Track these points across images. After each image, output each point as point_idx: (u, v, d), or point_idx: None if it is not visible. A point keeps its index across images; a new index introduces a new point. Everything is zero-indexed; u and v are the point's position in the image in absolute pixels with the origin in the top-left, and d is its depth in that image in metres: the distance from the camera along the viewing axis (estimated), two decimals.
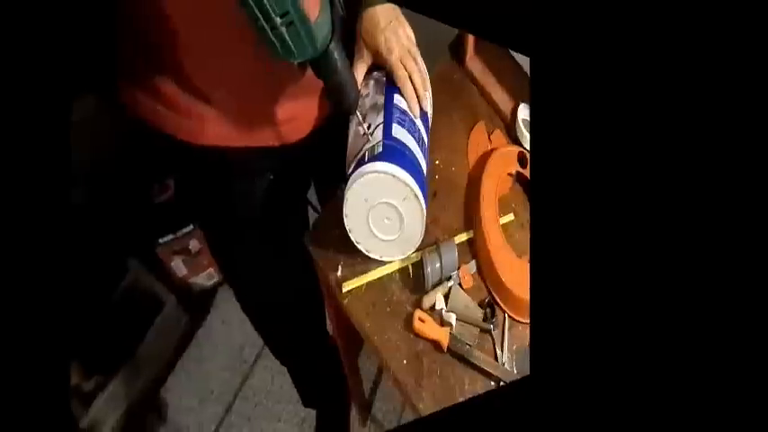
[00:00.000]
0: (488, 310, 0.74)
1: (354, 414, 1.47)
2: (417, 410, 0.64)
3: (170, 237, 1.44)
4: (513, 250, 0.77)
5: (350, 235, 0.70)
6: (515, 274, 0.74)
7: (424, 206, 0.65)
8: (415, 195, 0.63)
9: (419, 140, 0.69)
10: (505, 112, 0.96)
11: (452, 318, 0.71)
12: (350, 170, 0.66)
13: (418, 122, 0.71)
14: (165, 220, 1.43)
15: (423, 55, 0.74)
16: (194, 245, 1.52)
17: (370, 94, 0.71)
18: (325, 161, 0.89)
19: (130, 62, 0.69)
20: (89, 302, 1.33)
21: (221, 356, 1.70)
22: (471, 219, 0.81)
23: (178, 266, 1.56)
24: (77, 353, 1.30)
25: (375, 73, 0.74)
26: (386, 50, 0.70)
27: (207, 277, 1.67)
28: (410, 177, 0.62)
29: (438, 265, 0.71)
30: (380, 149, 0.63)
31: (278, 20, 0.50)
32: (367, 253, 0.73)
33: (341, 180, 0.80)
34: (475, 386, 0.68)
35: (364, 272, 0.75)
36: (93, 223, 1.26)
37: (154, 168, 1.36)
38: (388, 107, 0.68)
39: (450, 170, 0.87)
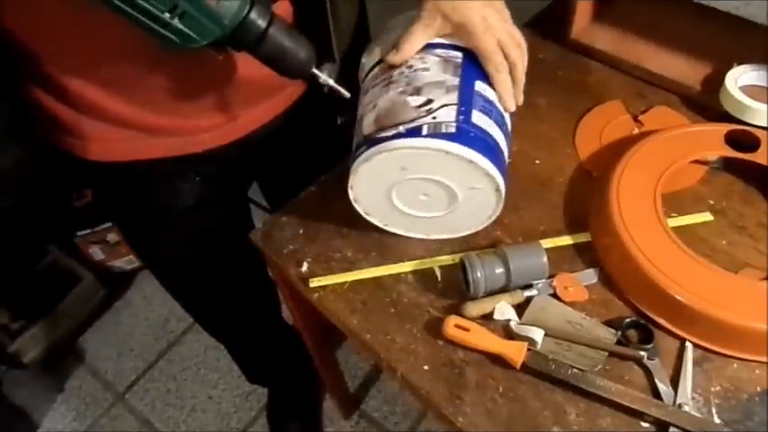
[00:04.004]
0: (633, 332, 0.62)
1: (333, 406, 1.44)
2: (456, 425, 0.61)
3: (88, 231, 1.60)
4: (713, 260, 0.63)
5: (355, 205, 0.68)
6: (715, 291, 0.59)
7: (501, 202, 0.65)
8: (497, 189, 0.62)
9: (506, 134, 0.65)
10: (687, 83, 0.82)
11: (536, 333, 0.62)
12: (385, 134, 0.60)
13: (507, 116, 0.66)
14: (84, 219, 1.59)
15: None
16: (112, 237, 1.62)
17: (430, 69, 0.63)
18: (274, 161, 0.86)
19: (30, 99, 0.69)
20: (11, 270, 1.56)
21: (142, 325, 1.69)
22: (584, 220, 0.71)
23: (95, 252, 1.65)
24: (4, 301, 1.56)
25: (440, 50, 0.65)
26: (482, 28, 0.60)
27: (126, 262, 1.72)
28: (496, 170, 0.61)
29: (500, 270, 0.64)
30: (453, 130, 0.59)
31: (167, 15, 0.48)
32: (385, 226, 0.71)
33: (292, 181, 0.80)
34: (598, 420, 0.58)
35: (346, 270, 0.71)
36: (17, 221, 1.49)
37: (72, 180, 1.51)
38: (466, 92, 0.62)
39: (532, 164, 0.78)
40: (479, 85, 0.63)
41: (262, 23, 0.53)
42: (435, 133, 0.58)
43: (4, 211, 1.43)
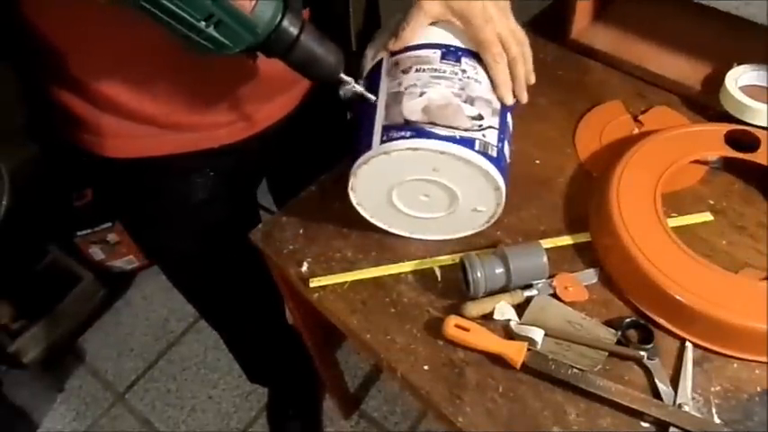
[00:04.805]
0: (633, 332, 0.62)
1: (333, 406, 1.45)
2: (456, 425, 0.61)
3: (88, 231, 1.60)
4: (713, 260, 0.63)
5: (353, 179, 0.65)
6: (715, 291, 0.59)
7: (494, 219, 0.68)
8: (494, 214, 0.67)
9: (511, 154, 0.67)
10: (687, 83, 0.82)
11: (536, 333, 0.61)
12: (437, 131, 0.59)
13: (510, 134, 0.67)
14: (84, 219, 1.59)
15: None
16: (112, 237, 1.62)
17: (481, 83, 0.63)
18: (285, 157, 0.86)
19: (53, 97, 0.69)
20: (11, 270, 1.57)
21: (142, 325, 1.69)
22: (584, 220, 0.71)
23: (95, 252, 1.66)
24: (5, 301, 1.55)
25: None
26: (482, 18, 0.59)
27: (126, 262, 1.73)
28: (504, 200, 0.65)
29: (500, 270, 0.64)
30: (495, 154, 0.61)
31: (202, 24, 0.48)
32: (382, 224, 0.72)
33: (298, 182, 0.79)
34: (598, 420, 0.58)
35: (346, 270, 0.71)
36: (17, 221, 1.48)
37: (74, 180, 1.55)
38: (503, 121, 0.64)
39: (532, 164, 0.78)
40: (509, 117, 0.65)
41: (294, 31, 0.54)
42: (485, 152, 0.60)
43: (9, 210, 1.46)
